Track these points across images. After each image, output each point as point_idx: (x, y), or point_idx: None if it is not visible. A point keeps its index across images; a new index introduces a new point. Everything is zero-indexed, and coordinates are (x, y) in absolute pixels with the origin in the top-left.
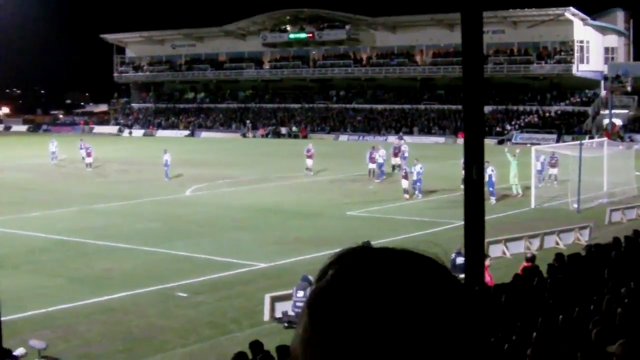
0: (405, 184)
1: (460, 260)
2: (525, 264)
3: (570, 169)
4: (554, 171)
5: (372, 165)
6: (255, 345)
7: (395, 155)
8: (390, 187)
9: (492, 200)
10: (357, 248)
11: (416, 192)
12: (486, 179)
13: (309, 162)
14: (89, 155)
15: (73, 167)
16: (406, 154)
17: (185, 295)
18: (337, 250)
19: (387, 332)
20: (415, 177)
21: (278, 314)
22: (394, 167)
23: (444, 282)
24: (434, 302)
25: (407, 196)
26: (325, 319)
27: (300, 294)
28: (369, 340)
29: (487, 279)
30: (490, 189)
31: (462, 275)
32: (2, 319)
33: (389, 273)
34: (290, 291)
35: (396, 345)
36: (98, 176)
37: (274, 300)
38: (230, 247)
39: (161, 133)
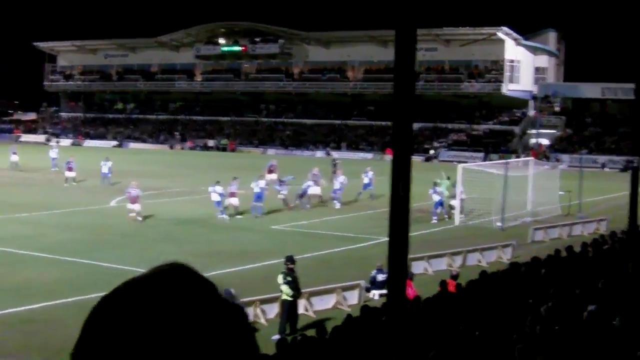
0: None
1: (381, 277)
2: (449, 280)
3: (495, 187)
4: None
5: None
6: None
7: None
8: (316, 203)
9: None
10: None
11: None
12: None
13: (271, 177)
14: (70, 169)
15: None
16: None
17: None
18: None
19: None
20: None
21: None
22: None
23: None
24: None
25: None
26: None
27: None
28: None
29: (410, 294)
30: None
31: (384, 291)
32: None
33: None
34: None
35: None
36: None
37: None
38: (153, 259)
39: (89, 143)
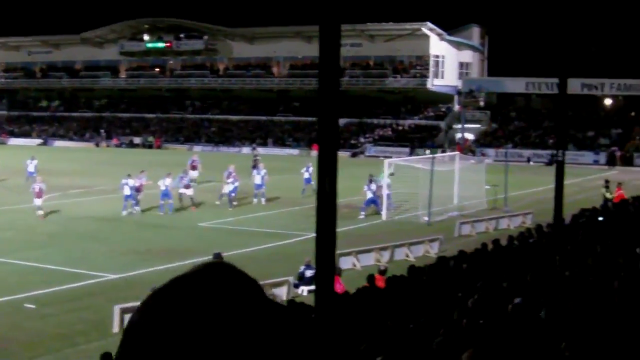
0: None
1: (309, 273)
2: (377, 275)
3: (421, 182)
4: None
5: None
6: (106, 358)
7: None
8: (242, 200)
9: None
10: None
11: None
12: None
13: (194, 174)
14: None
15: None
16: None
17: (33, 307)
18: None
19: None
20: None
21: None
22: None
23: (254, 308)
24: (240, 324)
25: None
26: (132, 346)
27: None
28: None
29: (339, 289)
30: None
31: (312, 287)
32: None
33: (193, 303)
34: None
35: None
36: None
37: (124, 312)
38: (80, 258)
39: (13, 141)
